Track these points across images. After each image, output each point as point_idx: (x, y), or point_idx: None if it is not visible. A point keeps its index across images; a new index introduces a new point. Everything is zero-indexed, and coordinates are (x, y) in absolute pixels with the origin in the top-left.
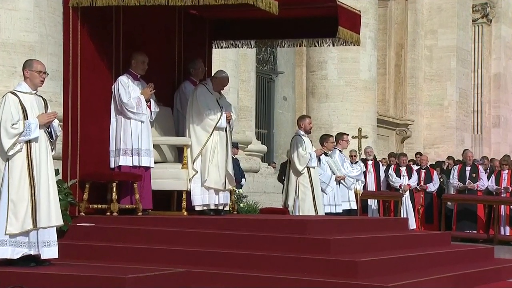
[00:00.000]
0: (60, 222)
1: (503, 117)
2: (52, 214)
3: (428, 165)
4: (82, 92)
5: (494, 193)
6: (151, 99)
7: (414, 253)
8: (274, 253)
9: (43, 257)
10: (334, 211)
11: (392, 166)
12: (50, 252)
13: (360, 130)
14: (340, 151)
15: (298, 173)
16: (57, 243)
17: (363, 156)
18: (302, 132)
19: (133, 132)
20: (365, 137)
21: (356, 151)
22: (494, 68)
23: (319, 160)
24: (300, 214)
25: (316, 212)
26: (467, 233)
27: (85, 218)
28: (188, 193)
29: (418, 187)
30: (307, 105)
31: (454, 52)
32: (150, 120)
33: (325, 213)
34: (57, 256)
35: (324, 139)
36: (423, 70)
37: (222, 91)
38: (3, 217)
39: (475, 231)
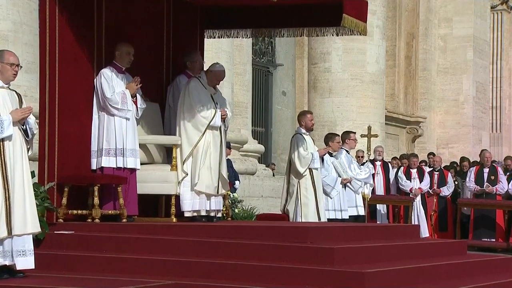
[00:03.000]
0: (36, 229)
1: None
2: (28, 220)
3: (441, 166)
4: (60, 86)
5: None
6: (137, 94)
7: (427, 263)
8: (272, 264)
9: (18, 267)
10: (340, 217)
11: (402, 168)
12: (26, 262)
13: (369, 128)
14: (347, 151)
15: (299, 176)
16: (33, 252)
17: (373, 157)
18: (303, 130)
19: (117, 131)
20: (375, 136)
21: (363, 151)
22: None
23: (323, 160)
24: (303, 220)
25: (319, 218)
26: (485, 241)
27: (64, 225)
28: (178, 197)
29: (430, 191)
30: (308, 101)
31: (471, 42)
32: (136, 118)
33: (330, 219)
34: (33, 267)
35: (329, 138)
36: (437, 62)
37: (217, 85)
38: None
39: (494, 240)
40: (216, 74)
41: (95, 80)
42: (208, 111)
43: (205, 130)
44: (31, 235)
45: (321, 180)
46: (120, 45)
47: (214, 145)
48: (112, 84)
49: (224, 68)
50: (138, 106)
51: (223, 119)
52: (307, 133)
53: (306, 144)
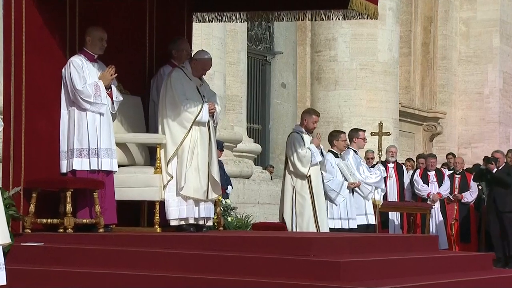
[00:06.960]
0: (6, 240)
1: None
2: None
3: (463, 169)
4: (27, 76)
5: None
6: (112, 86)
7: (446, 279)
8: (270, 279)
9: None
10: (347, 227)
11: (418, 171)
12: None
13: (381, 125)
14: (355, 151)
15: (303, 177)
16: (4, 266)
17: (385, 158)
18: (302, 129)
19: (90, 128)
20: (387, 134)
21: (374, 151)
22: None
23: (322, 153)
24: (298, 231)
25: (318, 229)
26: None
27: (32, 236)
28: (162, 204)
29: (451, 197)
30: (311, 94)
31: (497, 27)
32: (112, 112)
33: (336, 229)
34: (5, 283)
35: (334, 136)
36: (458, 49)
37: (204, 76)
38: None
39: None
40: (201, 63)
41: (63, 70)
42: (194, 105)
43: (191, 127)
44: (1, 247)
45: (321, 184)
46: (91, 30)
47: (202, 144)
48: (83, 74)
49: (210, 55)
50: (114, 99)
51: (211, 114)
52: (306, 133)
53: (304, 144)
